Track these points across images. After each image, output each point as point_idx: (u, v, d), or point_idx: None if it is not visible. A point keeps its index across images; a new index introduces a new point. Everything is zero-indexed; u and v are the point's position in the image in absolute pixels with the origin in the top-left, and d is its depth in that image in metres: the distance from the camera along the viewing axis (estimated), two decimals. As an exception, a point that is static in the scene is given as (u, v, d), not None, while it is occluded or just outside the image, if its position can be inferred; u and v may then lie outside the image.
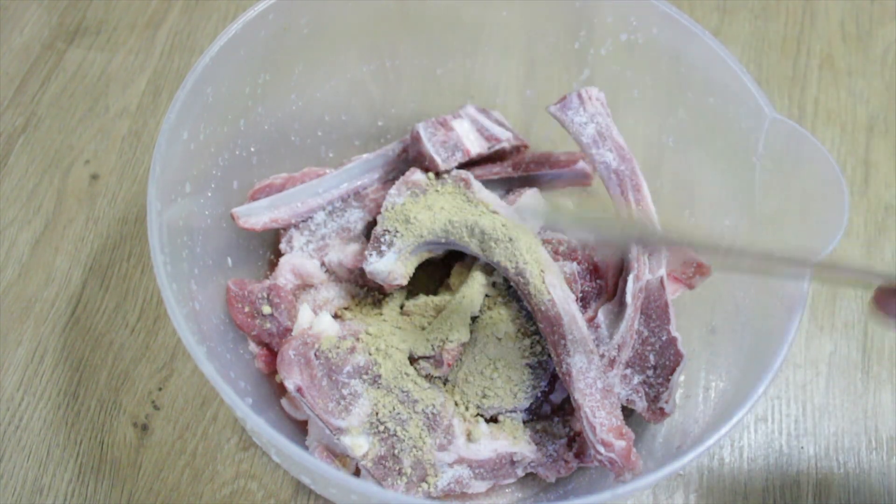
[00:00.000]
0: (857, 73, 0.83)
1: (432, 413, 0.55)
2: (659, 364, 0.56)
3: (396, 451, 0.53)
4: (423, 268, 0.63)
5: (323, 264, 0.63)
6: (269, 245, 0.66)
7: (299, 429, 0.58)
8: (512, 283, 0.58)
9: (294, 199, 0.62)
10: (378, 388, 0.55)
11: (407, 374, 0.56)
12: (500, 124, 0.67)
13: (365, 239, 0.64)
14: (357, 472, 0.55)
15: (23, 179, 0.73)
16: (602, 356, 0.57)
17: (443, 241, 0.58)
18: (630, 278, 0.57)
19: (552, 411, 0.60)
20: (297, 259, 0.62)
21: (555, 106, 0.60)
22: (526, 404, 0.58)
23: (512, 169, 0.65)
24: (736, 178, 0.58)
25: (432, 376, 0.57)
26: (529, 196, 0.63)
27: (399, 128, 0.73)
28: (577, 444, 0.58)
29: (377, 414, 0.54)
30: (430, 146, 0.61)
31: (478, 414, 0.58)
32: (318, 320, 0.58)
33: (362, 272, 0.60)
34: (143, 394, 0.63)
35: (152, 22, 0.83)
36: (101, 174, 0.74)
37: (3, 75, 0.79)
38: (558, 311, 0.55)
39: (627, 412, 0.59)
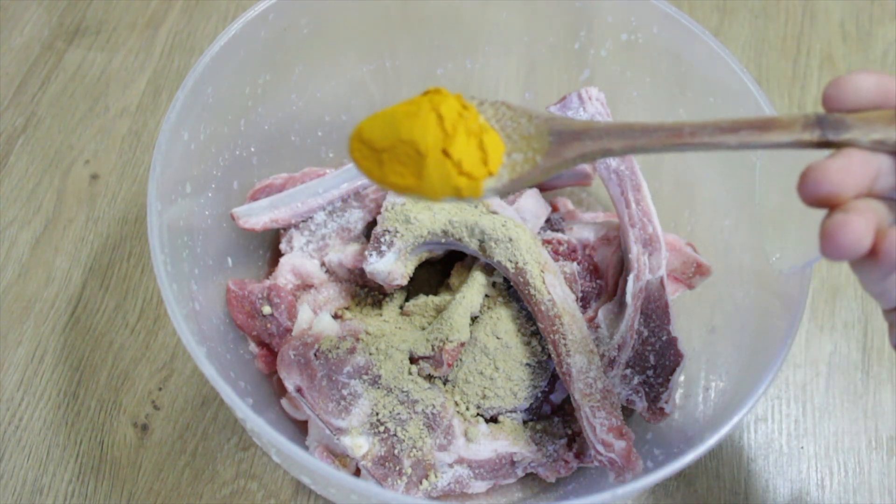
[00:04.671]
0: (857, 73, 0.83)
1: (432, 413, 0.55)
2: (659, 364, 0.56)
3: (396, 452, 0.53)
4: (423, 268, 0.63)
5: (323, 264, 0.63)
6: (269, 245, 0.66)
7: (299, 429, 0.58)
8: (512, 283, 0.58)
9: (294, 199, 0.62)
10: (378, 388, 0.55)
11: (407, 375, 0.56)
12: (500, 124, 0.67)
13: (365, 239, 0.64)
14: (357, 472, 0.55)
15: (23, 179, 0.73)
16: (602, 356, 0.57)
17: (443, 241, 0.58)
18: (630, 278, 0.57)
19: (552, 411, 0.60)
20: (297, 259, 0.62)
21: (555, 106, 0.60)
22: (526, 404, 0.58)
23: (512, 169, 0.65)
24: (736, 178, 0.58)
25: (432, 376, 0.57)
26: (529, 196, 0.63)
27: (399, 128, 0.73)
28: (577, 444, 0.58)
29: (377, 414, 0.54)
30: (430, 146, 0.61)
31: (478, 414, 0.58)
32: (318, 320, 0.58)
33: (362, 272, 0.60)
34: (143, 394, 0.63)
35: (152, 22, 0.83)
36: (101, 174, 0.74)
37: (3, 75, 0.79)
38: (558, 311, 0.55)
39: (627, 412, 0.59)
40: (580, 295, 0.60)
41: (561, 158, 0.39)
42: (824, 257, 0.35)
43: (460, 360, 0.57)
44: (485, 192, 0.38)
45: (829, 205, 0.35)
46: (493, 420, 0.58)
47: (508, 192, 0.39)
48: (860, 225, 0.34)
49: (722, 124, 0.37)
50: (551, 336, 0.55)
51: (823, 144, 0.36)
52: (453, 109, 0.38)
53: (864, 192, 0.36)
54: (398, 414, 0.54)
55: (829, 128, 0.36)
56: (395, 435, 0.53)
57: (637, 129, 0.38)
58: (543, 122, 0.40)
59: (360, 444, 0.53)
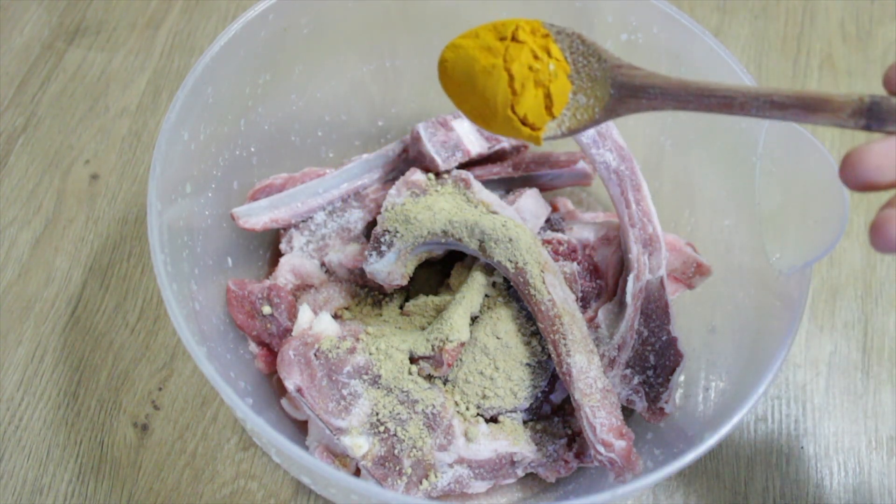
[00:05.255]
0: (857, 73, 0.83)
1: (432, 413, 0.55)
2: (659, 364, 0.56)
3: (396, 452, 0.53)
4: (423, 268, 0.63)
5: (323, 264, 0.63)
6: (269, 245, 0.66)
7: (299, 429, 0.58)
8: (512, 283, 0.58)
9: (294, 199, 0.62)
10: (378, 388, 0.55)
11: (407, 375, 0.56)
12: (500, 124, 0.67)
13: (365, 239, 0.64)
14: (357, 472, 0.55)
15: (23, 179, 0.73)
16: (602, 356, 0.57)
17: (443, 241, 0.58)
18: (630, 278, 0.57)
19: (552, 411, 0.60)
20: (297, 259, 0.62)
21: (555, 106, 0.60)
22: (526, 404, 0.58)
23: (512, 169, 0.65)
24: (736, 178, 0.58)
25: (432, 376, 0.57)
26: (529, 196, 0.63)
27: (399, 128, 0.73)
28: (577, 444, 0.58)
29: (377, 414, 0.54)
30: (431, 146, 0.61)
31: (478, 414, 0.58)
32: (318, 320, 0.58)
33: (362, 272, 0.60)
34: (143, 394, 0.63)
35: (152, 22, 0.83)
36: (101, 174, 0.74)
37: (3, 75, 0.79)
38: (558, 311, 0.55)
39: (627, 412, 0.59)
40: (580, 295, 0.60)
41: (615, 113, 0.42)
42: (874, 249, 0.37)
43: (460, 360, 0.57)
44: (544, 141, 0.43)
45: (871, 189, 0.37)
46: (493, 420, 0.58)
47: (565, 137, 0.43)
48: None
49: (775, 98, 0.38)
50: (551, 336, 0.55)
51: (867, 129, 0.37)
52: (524, 65, 0.42)
53: None
54: (398, 414, 0.54)
55: (875, 118, 0.36)
56: (395, 435, 0.53)
57: (693, 92, 0.40)
58: (610, 68, 0.42)
59: (360, 444, 0.53)
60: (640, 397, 0.57)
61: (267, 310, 0.59)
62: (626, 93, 0.42)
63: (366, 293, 0.64)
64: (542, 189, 0.66)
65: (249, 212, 0.61)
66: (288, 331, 0.59)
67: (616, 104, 0.42)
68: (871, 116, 0.36)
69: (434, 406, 0.55)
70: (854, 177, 0.37)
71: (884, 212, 0.36)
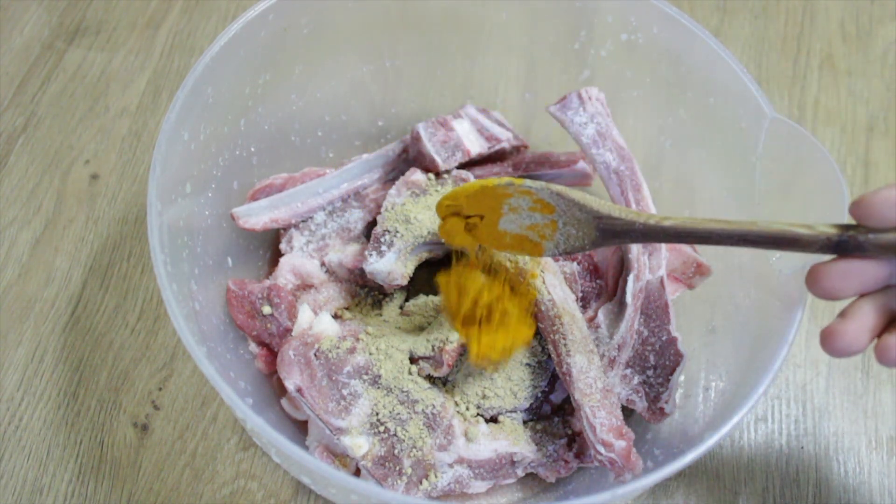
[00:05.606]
0: (857, 73, 0.83)
1: (432, 413, 0.55)
2: (659, 364, 0.56)
3: (396, 452, 0.53)
4: (423, 268, 0.63)
5: (323, 264, 0.63)
6: (269, 245, 0.66)
7: (299, 429, 0.58)
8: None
9: (294, 199, 0.62)
10: (378, 388, 0.55)
11: (407, 375, 0.56)
12: (500, 124, 0.67)
13: (365, 239, 0.64)
14: (357, 472, 0.55)
15: (23, 179, 0.73)
16: (602, 356, 0.57)
17: (443, 241, 0.58)
18: (630, 278, 0.57)
19: (552, 411, 0.60)
20: (297, 259, 0.62)
21: (555, 106, 0.60)
22: (526, 404, 0.58)
23: (512, 169, 0.65)
24: (736, 178, 0.58)
25: (432, 376, 0.57)
26: (529, 196, 0.63)
27: (399, 128, 0.73)
28: (577, 444, 0.58)
29: (377, 414, 0.54)
30: (431, 146, 0.62)
31: (478, 414, 0.58)
32: (318, 320, 0.58)
33: (362, 272, 0.60)
34: (143, 394, 0.63)
35: (152, 22, 0.83)
36: (101, 174, 0.74)
37: (3, 75, 0.79)
38: (558, 311, 0.55)
39: (627, 412, 0.59)
40: (580, 295, 0.60)
41: (602, 246, 0.48)
42: (823, 350, 0.42)
43: (460, 360, 0.57)
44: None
45: (834, 300, 0.41)
46: (493, 420, 0.58)
47: (562, 255, 0.50)
48: (851, 332, 0.41)
49: (748, 236, 0.41)
50: (551, 336, 0.55)
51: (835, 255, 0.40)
52: (498, 310, 0.52)
53: (869, 289, 0.40)
54: (398, 414, 0.54)
55: (840, 252, 0.40)
56: (395, 435, 0.53)
57: (671, 234, 0.43)
58: (592, 218, 0.46)
59: (360, 444, 0.53)
60: (640, 397, 0.57)
61: (267, 310, 0.59)
62: (610, 235, 0.46)
63: (366, 293, 0.64)
64: (542, 189, 0.66)
65: (249, 212, 0.61)
66: (288, 331, 0.59)
67: (601, 241, 0.47)
68: (837, 251, 0.40)
69: (434, 406, 0.55)
70: (819, 290, 0.41)
71: (837, 321, 0.41)
